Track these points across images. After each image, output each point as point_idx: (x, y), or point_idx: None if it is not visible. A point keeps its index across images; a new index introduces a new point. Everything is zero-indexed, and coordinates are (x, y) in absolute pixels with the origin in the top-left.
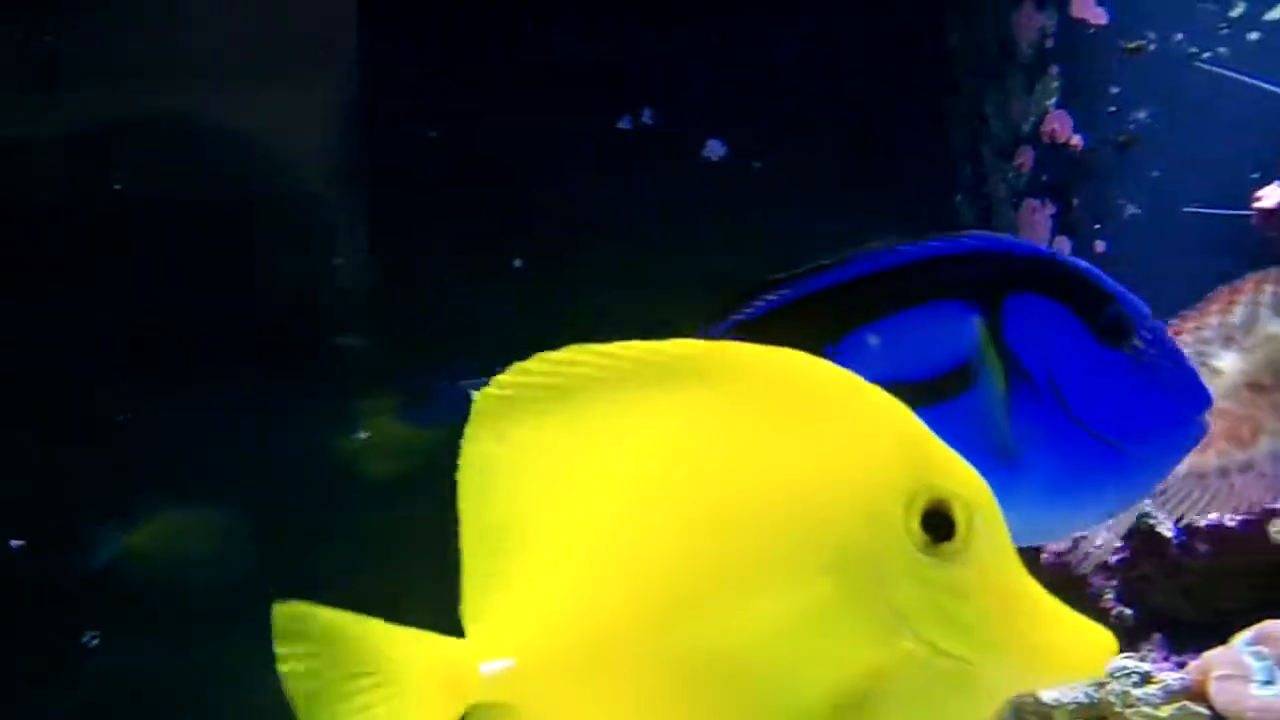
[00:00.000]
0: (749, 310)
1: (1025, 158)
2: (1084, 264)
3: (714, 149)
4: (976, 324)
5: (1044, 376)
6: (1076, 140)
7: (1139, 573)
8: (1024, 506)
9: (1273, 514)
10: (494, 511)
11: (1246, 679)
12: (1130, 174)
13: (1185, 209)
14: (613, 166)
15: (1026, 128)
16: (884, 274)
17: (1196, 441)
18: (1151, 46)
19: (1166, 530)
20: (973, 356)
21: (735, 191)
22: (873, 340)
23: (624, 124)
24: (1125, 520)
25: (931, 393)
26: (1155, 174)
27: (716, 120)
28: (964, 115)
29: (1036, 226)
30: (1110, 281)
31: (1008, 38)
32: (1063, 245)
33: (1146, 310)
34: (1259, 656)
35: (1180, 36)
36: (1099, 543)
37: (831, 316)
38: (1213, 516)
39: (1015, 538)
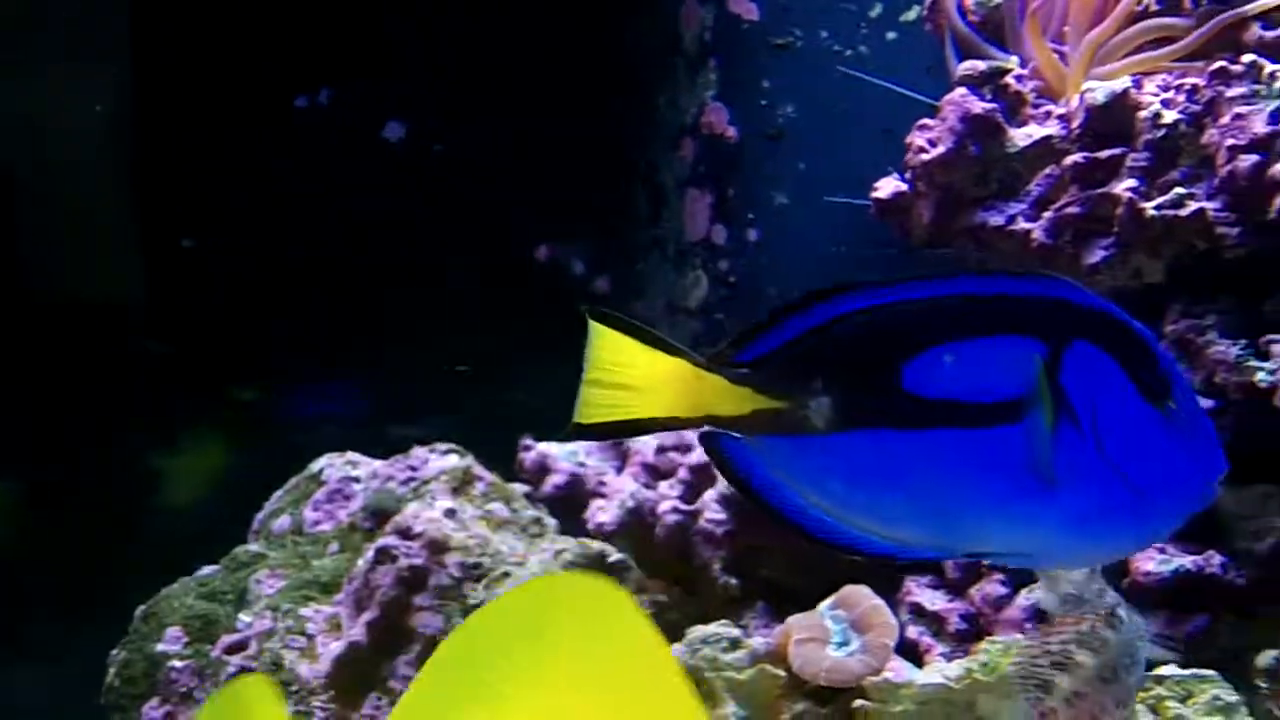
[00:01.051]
0: (816, 313)
1: (687, 148)
2: (1140, 324)
3: (393, 130)
4: (1038, 362)
5: (1088, 420)
6: (731, 132)
7: (746, 544)
8: (1053, 534)
9: None
10: None
11: (824, 641)
12: (779, 166)
13: (826, 199)
14: (288, 145)
15: (689, 119)
16: (960, 298)
17: (1209, 502)
18: (799, 44)
19: None
20: (1030, 391)
21: (414, 174)
22: (948, 359)
23: (300, 103)
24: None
25: (989, 416)
26: (801, 166)
27: (397, 102)
28: (637, 106)
29: (697, 215)
30: (1159, 345)
31: (675, 30)
32: (719, 234)
33: (1185, 377)
34: (837, 620)
35: (825, 35)
36: None
37: (911, 329)
38: None
39: (1042, 561)
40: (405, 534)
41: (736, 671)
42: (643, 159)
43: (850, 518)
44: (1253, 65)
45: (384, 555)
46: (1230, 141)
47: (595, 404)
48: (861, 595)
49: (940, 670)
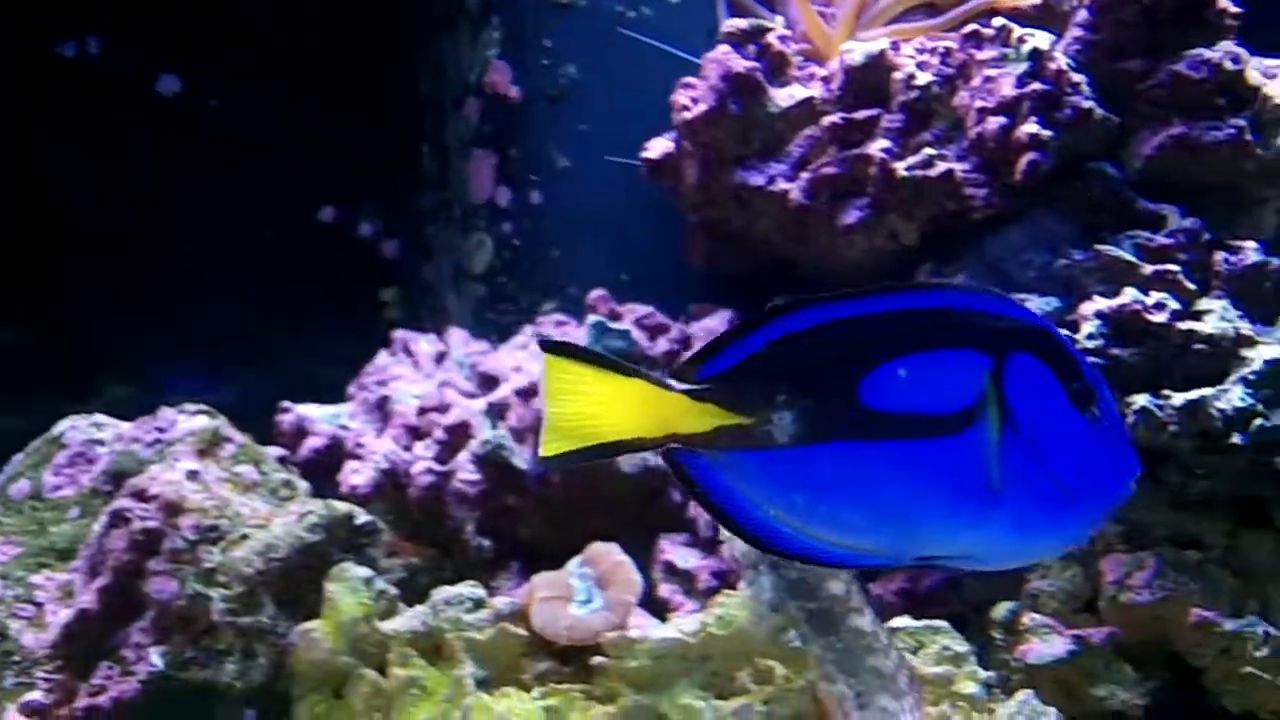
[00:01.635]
0: (774, 328)
1: (471, 108)
2: (1063, 335)
3: (167, 84)
4: (985, 375)
5: (1029, 428)
6: (514, 92)
7: (500, 505)
8: (998, 536)
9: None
10: None
11: (568, 599)
12: (562, 127)
13: (606, 158)
14: (51, 95)
15: (473, 78)
16: (910, 314)
17: (1127, 500)
18: (581, 3)
19: (522, 463)
20: (978, 401)
21: (190, 130)
22: (901, 373)
23: (66, 50)
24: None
25: (941, 426)
26: (584, 127)
27: (172, 55)
28: (425, 65)
29: (481, 177)
30: (1079, 354)
31: None
32: (503, 196)
33: (1105, 383)
34: (583, 578)
35: None
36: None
37: (865, 345)
38: None
39: (988, 561)
40: (140, 496)
41: (478, 631)
42: (428, 119)
43: (811, 529)
44: (1003, 29)
45: (118, 518)
46: (979, 104)
47: (558, 434)
48: (607, 553)
49: (677, 625)
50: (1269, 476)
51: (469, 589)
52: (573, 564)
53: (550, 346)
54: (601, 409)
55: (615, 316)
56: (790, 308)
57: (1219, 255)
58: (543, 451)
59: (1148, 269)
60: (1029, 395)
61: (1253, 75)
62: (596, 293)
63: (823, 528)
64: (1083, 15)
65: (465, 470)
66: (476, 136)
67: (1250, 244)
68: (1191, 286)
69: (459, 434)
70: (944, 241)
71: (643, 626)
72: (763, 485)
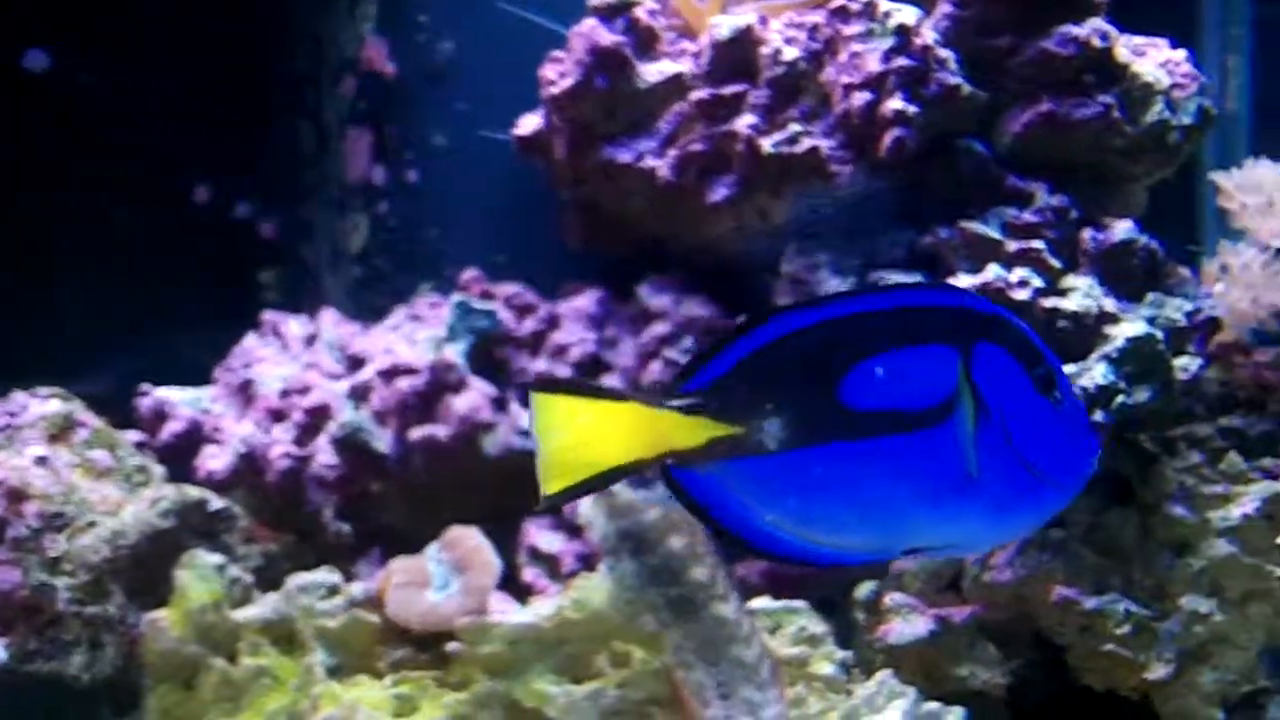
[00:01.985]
0: (753, 338)
1: (348, 85)
2: (1024, 323)
3: (35, 59)
4: (959, 367)
5: (999, 414)
6: (390, 68)
7: (360, 489)
8: (977, 523)
9: (482, 427)
10: None
11: (424, 584)
12: (439, 104)
13: (481, 134)
14: None
15: (349, 54)
16: (880, 313)
17: (1090, 478)
18: None
19: (383, 446)
20: (953, 394)
21: (55, 106)
22: (879, 371)
23: None
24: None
25: (920, 420)
26: (462, 105)
27: (38, 27)
28: (303, 40)
29: (357, 156)
30: (1040, 340)
31: None
32: (379, 175)
33: (1061, 366)
34: (440, 562)
35: None
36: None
37: (841, 347)
38: (425, 429)
39: (969, 547)
40: None
41: (330, 619)
42: (307, 96)
43: (806, 531)
44: (869, 5)
45: None
46: (845, 79)
47: (555, 470)
48: (465, 536)
49: (533, 609)
50: (1133, 454)
51: (324, 575)
52: (431, 548)
53: (539, 385)
54: (595, 437)
55: (487, 296)
56: (763, 318)
57: (1086, 232)
58: (544, 491)
59: (1012, 246)
60: (998, 383)
61: (1122, 53)
62: (469, 273)
63: (817, 528)
64: None
65: (324, 454)
66: (353, 114)
67: (1123, 223)
68: (1057, 264)
69: (318, 416)
70: (818, 218)
71: (505, 611)
72: (757, 492)
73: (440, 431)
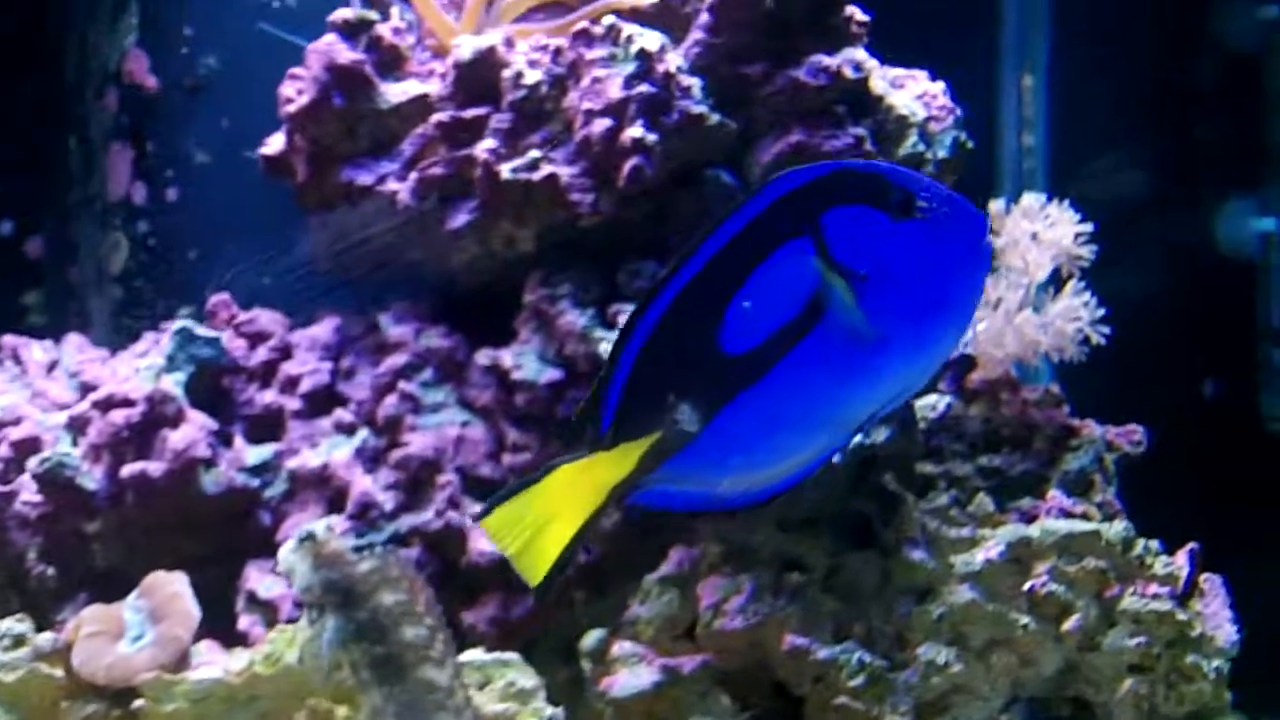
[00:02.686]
0: (628, 352)
1: (111, 98)
2: (859, 162)
3: None
4: (813, 258)
5: (874, 268)
6: (152, 82)
7: (66, 528)
8: (903, 370)
9: (200, 463)
10: None
11: (117, 635)
12: (201, 120)
13: (245, 154)
14: None
15: (112, 66)
16: (721, 251)
17: (991, 254)
18: None
19: (91, 482)
20: (821, 281)
21: None
22: (746, 305)
23: None
24: None
25: (803, 326)
26: (225, 121)
27: None
28: (71, 50)
29: (119, 172)
30: (885, 166)
31: None
32: (139, 192)
33: (914, 173)
34: (137, 610)
35: None
36: None
37: (703, 303)
38: (137, 465)
39: (910, 392)
40: None
41: (9, 672)
42: (74, 109)
43: (765, 473)
44: (612, 29)
45: None
46: (587, 105)
47: (531, 566)
48: (164, 583)
49: (223, 663)
50: (873, 494)
51: (9, 624)
52: (131, 595)
53: (480, 518)
54: (545, 519)
55: (233, 322)
56: (628, 328)
57: None
58: (531, 585)
59: None
60: (857, 242)
61: (877, 84)
62: (217, 298)
63: (771, 464)
64: (704, 18)
65: (27, 490)
66: (115, 128)
67: None
68: None
69: (25, 450)
70: (564, 247)
71: (210, 663)
72: (708, 472)
73: (153, 468)
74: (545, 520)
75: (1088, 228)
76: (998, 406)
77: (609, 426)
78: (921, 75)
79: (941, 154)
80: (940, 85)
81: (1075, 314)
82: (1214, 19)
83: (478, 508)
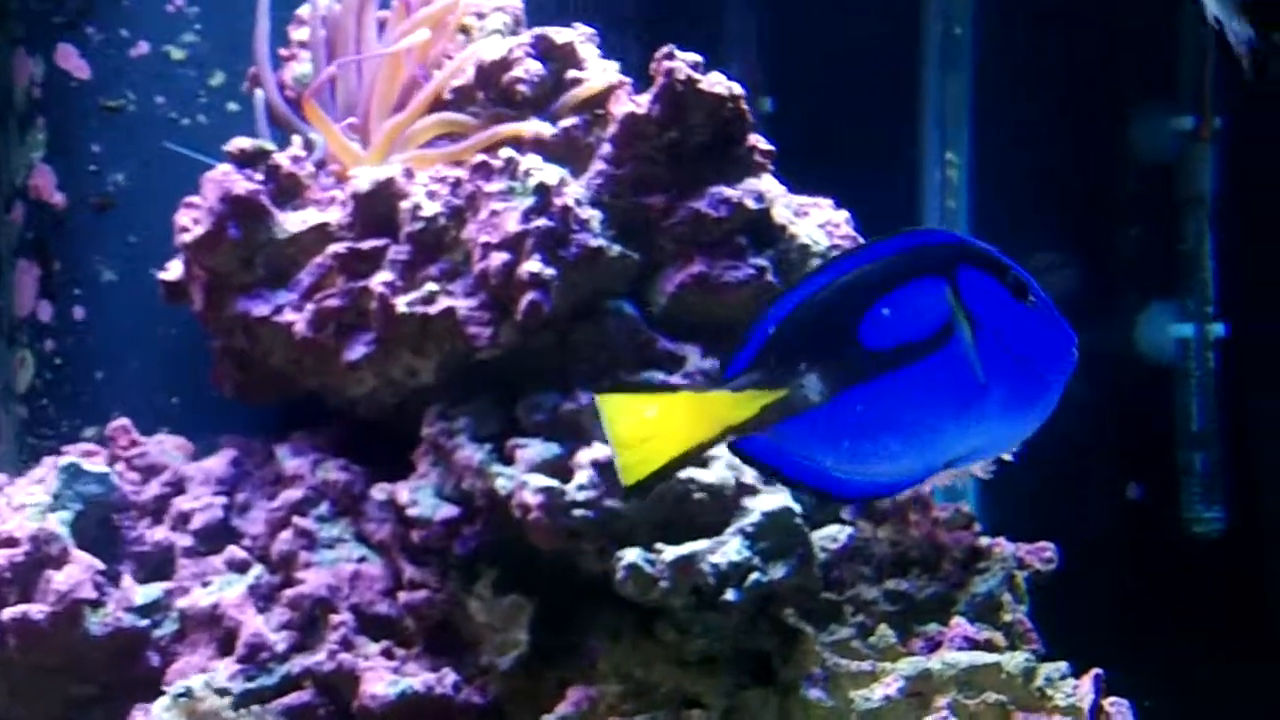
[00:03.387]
0: (772, 316)
1: (18, 213)
2: (986, 244)
3: None
4: (948, 292)
5: (990, 324)
6: (59, 198)
7: None
8: (994, 425)
9: (86, 604)
10: None
11: None
12: (109, 237)
13: (155, 273)
14: None
15: (19, 181)
16: (873, 264)
17: (1075, 362)
18: (131, 108)
19: None
20: (949, 316)
21: None
22: (885, 312)
23: None
24: None
25: (929, 347)
26: (133, 239)
27: None
28: None
29: (24, 289)
30: (1006, 256)
31: (5, 82)
32: (45, 310)
33: (1028, 274)
34: None
35: (161, 100)
36: None
37: (850, 298)
38: (19, 609)
39: (990, 449)
40: None
41: None
42: None
43: (861, 467)
44: (510, 162)
45: None
46: (485, 238)
47: (631, 463)
48: None
49: None
50: (770, 629)
51: None
52: None
53: (602, 391)
54: (660, 429)
55: (132, 446)
56: (776, 300)
57: None
58: (624, 482)
59: None
60: (982, 299)
61: (781, 213)
62: (116, 423)
63: (871, 462)
64: (606, 149)
65: None
66: (21, 244)
67: None
68: None
69: None
70: (466, 378)
71: None
72: (813, 443)
73: (35, 610)
74: (659, 429)
75: None
76: (906, 528)
77: (738, 371)
78: (826, 203)
79: None
80: (844, 214)
81: None
82: (1131, 129)
83: (372, 647)
